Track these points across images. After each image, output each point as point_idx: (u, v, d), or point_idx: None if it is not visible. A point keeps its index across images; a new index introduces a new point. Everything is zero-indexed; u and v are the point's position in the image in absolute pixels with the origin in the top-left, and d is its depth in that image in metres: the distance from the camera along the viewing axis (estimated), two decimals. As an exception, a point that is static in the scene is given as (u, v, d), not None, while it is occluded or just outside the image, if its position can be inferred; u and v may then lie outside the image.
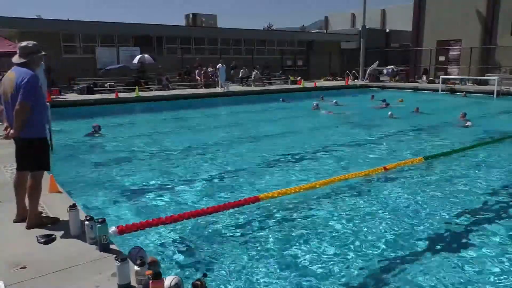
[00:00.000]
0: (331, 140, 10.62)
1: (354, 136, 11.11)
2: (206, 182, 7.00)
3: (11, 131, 4.05)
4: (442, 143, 10.00)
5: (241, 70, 26.21)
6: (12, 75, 4.03)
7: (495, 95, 20.43)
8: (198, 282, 2.97)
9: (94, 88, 20.32)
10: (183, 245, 4.64)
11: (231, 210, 5.43)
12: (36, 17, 25.49)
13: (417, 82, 27.73)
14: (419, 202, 5.93)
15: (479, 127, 12.07)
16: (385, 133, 11.45)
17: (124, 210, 5.69)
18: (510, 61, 24.97)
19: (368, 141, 10.37)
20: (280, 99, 19.42)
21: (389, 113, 13.98)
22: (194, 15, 31.81)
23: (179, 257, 4.35)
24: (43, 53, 4.29)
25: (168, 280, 2.96)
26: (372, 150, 9.48)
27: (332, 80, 29.93)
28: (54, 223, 4.24)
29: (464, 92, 21.73)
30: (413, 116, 14.37)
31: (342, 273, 4.00)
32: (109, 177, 7.32)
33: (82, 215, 4.12)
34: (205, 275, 3.14)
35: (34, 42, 4.21)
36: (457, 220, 5.30)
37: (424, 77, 27.56)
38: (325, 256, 4.34)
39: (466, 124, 12.12)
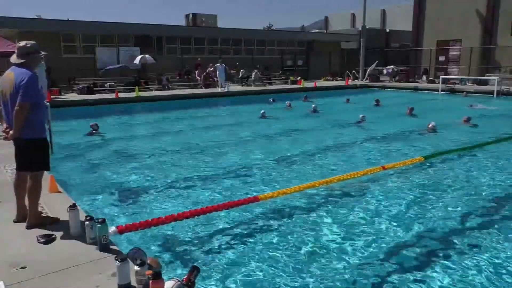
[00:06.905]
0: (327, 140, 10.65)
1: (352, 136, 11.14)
2: (205, 182, 6.99)
3: (11, 132, 4.02)
4: (443, 143, 10.01)
5: (241, 70, 26.22)
6: (11, 75, 4.00)
7: (495, 95, 20.44)
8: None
9: (94, 88, 20.36)
10: (183, 245, 4.64)
11: (231, 210, 5.43)
12: (36, 17, 25.50)
13: (417, 82, 27.73)
14: (419, 201, 5.93)
15: (479, 127, 12.06)
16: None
17: (124, 210, 5.69)
18: (510, 61, 24.97)
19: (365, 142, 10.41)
20: (270, 99, 18.60)
21: (360, 116, 12.93)
22: (194, 15, 31.81)
23: (179, 257, 4.34)
24: (43, 53, 4.25)
25: (168, 284, 2.93)
26: (368, 151, 9.49)
27: (332, 80, 29.93)
28: (54, 223, 4.25)
29: (464, 92, 21.72)
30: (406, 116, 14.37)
31: (341, 273, 4.00)
32: (109, 177, 7.32)
33: (82, 215, 4.13)
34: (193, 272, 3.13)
35: (33, 42, 4.16)
36: (458, 220, 5.30)
37: (424, 77, 27.56)
38: (324, 256, 4.34)
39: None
